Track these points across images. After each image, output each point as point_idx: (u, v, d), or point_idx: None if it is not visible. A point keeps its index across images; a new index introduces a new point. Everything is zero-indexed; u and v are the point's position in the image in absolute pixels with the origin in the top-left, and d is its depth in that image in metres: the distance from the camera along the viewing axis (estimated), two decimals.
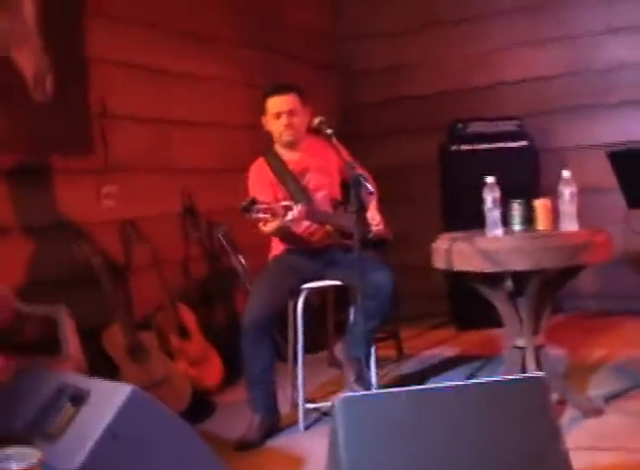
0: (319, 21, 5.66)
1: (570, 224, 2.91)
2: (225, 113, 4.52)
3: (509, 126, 4.87)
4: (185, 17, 4.25)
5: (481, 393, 1.75)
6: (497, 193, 2.92)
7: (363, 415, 1.75)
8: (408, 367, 4.11)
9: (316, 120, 2.94)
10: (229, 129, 4.52)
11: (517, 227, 2.98)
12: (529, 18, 5.21)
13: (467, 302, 4.42)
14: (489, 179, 2.94)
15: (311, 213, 3.16)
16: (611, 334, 4.50)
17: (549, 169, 5.08)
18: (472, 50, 5.39)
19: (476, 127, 4.88)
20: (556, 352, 4.11)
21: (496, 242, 2.86)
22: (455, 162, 4.85)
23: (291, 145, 3.43)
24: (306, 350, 4.09)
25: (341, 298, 3.75)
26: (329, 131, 2.90)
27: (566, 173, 2.94)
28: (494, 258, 2.80)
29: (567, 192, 2.91)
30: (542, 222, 2.97)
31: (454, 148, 4.85)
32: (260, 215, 2.86)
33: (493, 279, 2.99)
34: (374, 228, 3.45)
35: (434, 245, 3.07)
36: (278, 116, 3.36)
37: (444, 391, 1.80)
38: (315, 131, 3.03)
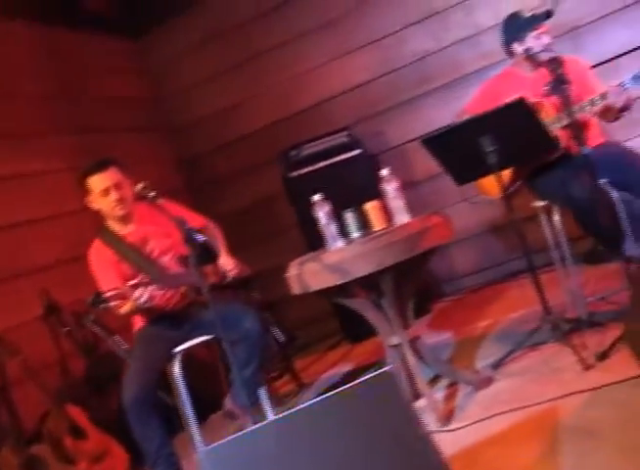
0: (135, 86, 5.68)
1: (402, 217, 3.01)
2: (60, 202, 4.45)
3: (340, 139, 4.98)
4: None
5: (338, 402, 1.78)
6: (327, 208, 2.99)
7: (231, 460, 1.75)
8: (309, 397, 4.11)
9: (139, 186, 2.93)
10: (69, 218, 4.46)
11: (355, 235, 3.06)
12: (335, 31, 5.40)
13: (351, 314, 4.46)
14: (316, 197, 3.00)
15: (162, 282, 3.16)
16: (492, 303, 4.66)
17: (393, 169, 5.26)
18: (288, 75, 5.53)
19: (309, 149, 4.97)
20: (442, 338, 4.24)
21: (338, 253, 2.92)
22: (299, 186, 4.92)
23: (124, 218, 3.41)
24: (211, 410, 4.09)
25: None
26: (152, 194, 2.90)
27: (384, 172, 3.05)
28: (341, 270, 2.86)
29: (390, 188, 3.01)
30: (377, 223, 3.05)
31: (294, 174, 4.93)
32: (111, 304, 2.86)
33: (348, 289, 3.04)
34: (229, 274, 3.48)
35: (287, 274, 3.10)
36: (106, 192, 3.33)
37: (304, 411, 1.82)
38: (140, 197, 3.03)
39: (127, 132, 5.28)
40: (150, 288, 3.01)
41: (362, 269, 2.84)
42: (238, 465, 1.75)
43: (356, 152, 4.95)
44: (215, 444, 1.82)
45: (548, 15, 3.51)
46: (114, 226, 3.43)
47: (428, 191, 5.26)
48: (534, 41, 3.52)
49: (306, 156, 4.97)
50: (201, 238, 2.71)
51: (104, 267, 3.30)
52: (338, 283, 2.88)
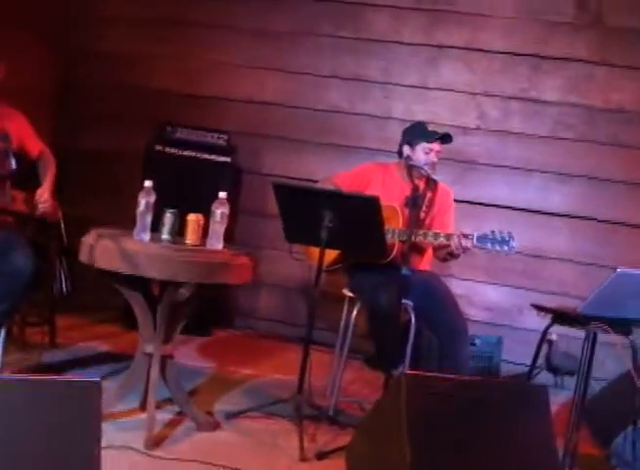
0: None
1: (215, 242, 2.99)
2: None
3: (217, 140, 4.94)
4: None
5: (27, 390, 1.71)
6: (153, 198, 2.93)
7: None
8: (54, 356, 3.97)
9: None
10: None
11: (165, 236, 3.01)
12: (263, 43, 5.36)
13: None
14: (147, 183, 2.94)
15: None
16: (269, 356, 4.69)
17: (252, 191, 5.28)
18: (208, 57, 5.42)
19: (184, 133, 4.91)
20: (203, 364, 4.23)
21: (139, 245, 2.86)
22: (158, 162, 4.83)
23: None
24: None
25: None
26: None
27: (222, 194, 3.02)
28: (134, 262, 2.80)
29: (218, 212, 2.99)
30: (190, 236, 3.02)
31: (159, 148, 4.84)
32: None
33: (134, 282, 2.98)
34: (40, 206, 3.32)
35: (84, 238, 3.01)
36: None
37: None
38: None
39: (27, 31, 4.98)
40: None
41: (154, 272, 2.81)
42: None
43: (224, 159, 4.92)
44: None
45: (446, 138, 3.65)
46: None
47: (268, 228, 5.26)
48: (421, 154, 3.64)
49: (178, 138, 4.91)
50: (13, 165, 2.56)
51: None
52: (122, 272, 2.82)
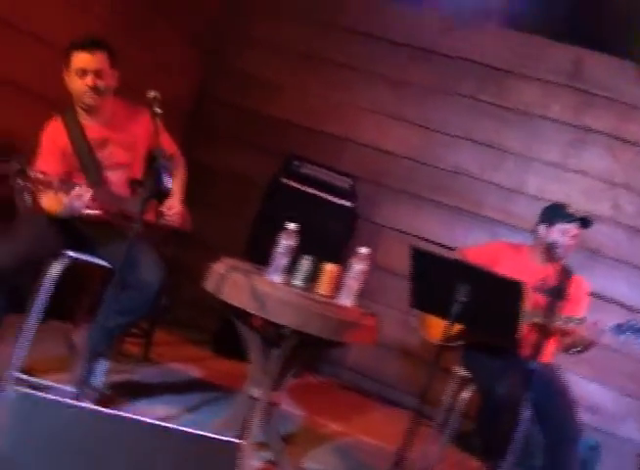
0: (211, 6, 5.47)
1: (346, 298, 2.88)
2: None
3: (341, 182, 4.87)
4: None
5: (168, 439, 1.61)
6: (293, 241, 2.84)
7: (33, 419, 1.55)
8: (146, 373, 3.91)
9: (152, 94, 2.66)
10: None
11: (298, 282, 2.91)
12: (399, 92, 5.28)
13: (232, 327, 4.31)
14: (291, 225, 2.85)
15: (98, 193, 2.93)
16: (356, 412, 4.54)
17: (365, 238, 5.16)
18: (341, 96, 5.37)
19: (310, 170, 4.85)
20: (293, 411, 4.09)
21: (271, 287, 2.77)
22: (281, 194, 4.79)
23: (92, 109, 3.09)
24: (56, 315, 3.79)
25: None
26: (158, 111, 2.64)
27: (363, 250, 2.91)
28: (262, 302, 2.71)
29: (357, 267, 2.88)
30: (323, 286, 2.92)
31: (284, 181, 4.80)
32: (31, 185, 2.63)
33: (254, 319, 2.89)
34: (168, 218, 3.26)
35: (213, 265, 2.93)
36: (83, 73, 3.00)
37: (134, 425, 1.63)
38: (145, 104, 2.77)
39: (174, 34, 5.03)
40: (87, 194, 2.79)
41: (280, 317, 2.70)
42: (37, 428, 1.55)
43: (347, 203, 4.84)
44: (32, 393, 1.60)
45: (585, 221, 3.48)
46: (81, 113, 3.11)
47: (380, 281, 5.12)
48: (559, 235, 3.47)
49: (304, 174, 4.85)
50: (169, 183, 2.48)
51: (51, 150, 3.03)
52: (249, 310, 2.73)
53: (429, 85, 5.26)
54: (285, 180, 4.81)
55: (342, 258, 5.08)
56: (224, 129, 5.53)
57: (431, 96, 5.25)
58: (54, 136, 3.06)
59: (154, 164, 2.51)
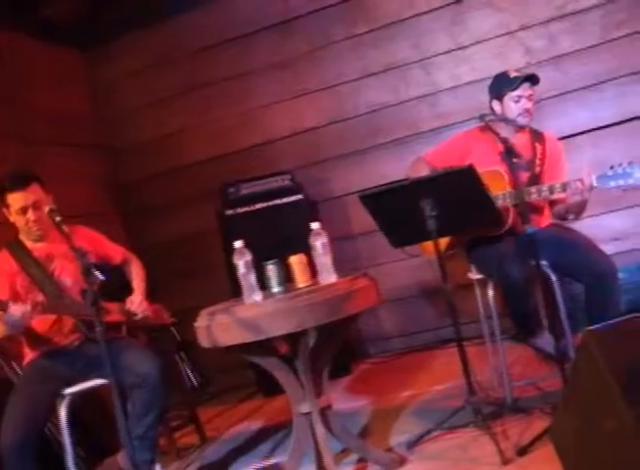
0: (77, 100, 5.40)
1: (328, 276, 2.78)
2: None
3: (281, 182, 4.78)
4: None
5: None
6: (248, 256, 2.75)
7: None
8: (212, 452, 3.81)
9: (46, 209, 2.83)
10: None
11: (275, 289, 2.81)
12: (288, 73, 5.22)
13: None
14: (237, 244, 2.77)
15: (55, 304, 2.99)
16: (417, 371, 4.44)
17: (333, 218, 5.08)
18: (235, 110, 5.31)
19: (248, 188, 4.76)
20: (358, 404, 4.00)
21: (254, 308, 2.67)
22: (234, 225, 4.68)
23: (39, 237, 3.21)
24: (108, 452, 3.71)
25: None
26: (58, 219, 2.74)
27: (315, 225, 2.82)
28: (255, 326, 2.61)
29: (318, 244, 2.78)
30: (300, 279, 2.82)
31: (229, 212, 4.70)
32: None
33: (263, 346, 2.79)
34: (136, 313, 3.22)
35: (196, 324, 2.84)
36: (23, 211, 3.12)
37: None
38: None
39: (62, 147, 4.98)
40: (28, 307, 2.81)
41: (278, 329, 2.61)
42: None
43: (297, 197, 4.76)
44: None
45: (531, 78, 3.34)
46: (26, 240, 3.23)
47: (364, 246, 5.07)
48: (512, 104, 3.34)
49: (245, 195, 4.76)
50: (99, 277, 2.45)
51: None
52: (248, 341, 2.63)
53: (308, 50, 5.18)
54: (230, 212, 4.71)
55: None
56: (155, 204, 5.45)
57: (316, 58, 5.17)
58: (2, 265, 3.14)
59: (83, 271, 2.53)
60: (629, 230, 4.62)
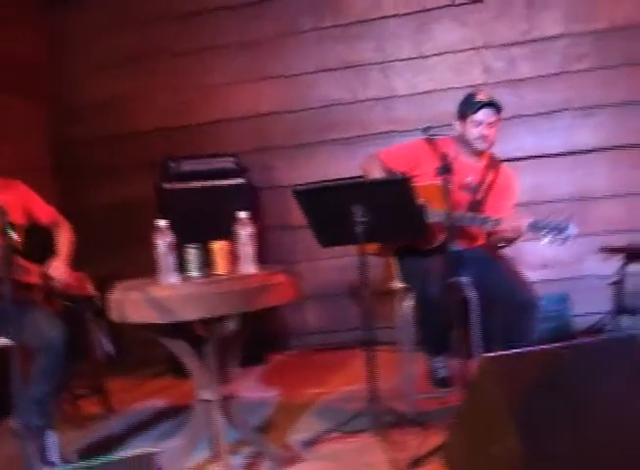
0: (31, 52, 5.25)
1: (247, 266, 2.77)
2: None
3: (225, 163, 4.74)
4: None
5: None
6: (169, 237, 2.71)
7: None
8: (114, 425, 3.76)
9: None
10: None
11: (194, 273, 2.79)
12: (249, 55, 5.17)
13: None
14: (160, 223, 2.73)
15: None
16: (332, 369, 4.46)
17: (272, 206, 5.06)
18: (193, 84, 5.25)
19: (190, 165, 4.70)
20: (266, 395, 4.01)
21: (168, 290, 2.64)
22: (171, 200, 4.63)
23: None
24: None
25: None
26: None
27: (242, 214, 2.80)
28: (167, 308, 2.59)
29: (243, 233, 2.77)
30: (220, 266, 2.81)
31: (167, 186, 4.64)
32: None
33: (174, 329, 2.77)
34: (55, 278, 3.15)
35: (110, 296, 2.80)
36: None
37: None
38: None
39: (7, 95, 4.83)
40: None
41: (188, 313, 2.59)
42: None
43: (238, 181, 4.72)
44: None
45: (490, 105, 3.34)
46: None
47: (301, 239, 5.06)
48: (473, 126, 3.36)
49: (185, 171, 4.70)
50: (14, 237, 2.39)
51: None
52: (157, 322, 2.61)
53: (274, 35, 5.14)
54: (168, 185, 4.65)
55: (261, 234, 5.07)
56: (98, 164, 5.36)
57: (279, 45, 5.14)
58: None
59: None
60: (558, 259, 4.71)
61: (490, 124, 3.35)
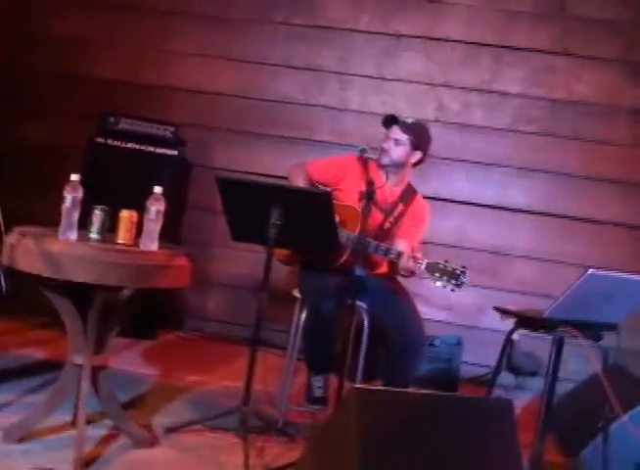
0: None
1: (149, 243, 2.72)
2: None
3: (164, 132, 4.66)
4: None
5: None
6: (80, 193, 2.65)
7: None
8: None
9: None
10: None
11: (93, 235, 2.73)
12: (215, 31, 5.10)
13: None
14: (73, 177, 2.67)
15: None
16: (218, 361, 4.43)
17: (202, 185, 5.00)
18: (153, 45, 5.14)
19: (127, 124, 4.61)
20: (144, 371, 3.96)
21: (64, 246, 2.58)
22: (101, 155, 4.55)
23: None
24: None
25: None
26: None
27: (157, 189, 2.75)
28: (55, 263, 2.53)
29: (153, 209, 2.72)
30: (123, 235, 2.75)
31: (100, 140, 4.55)
32: None
33: (61, 286, 2.70)
34: None
35: (6, 238, 2.72)
36: None
37: None
38: None
39: None
40: None
41: (75, 274, 2.53)
42: None
43: (172, 152, 4.65)
44: None
45: (388, 121, 3.39)
46: None
47: (222, 224, 4.99)
48: (384, 143, 3.39)
49: (121, 129, 4.62)
50: None
51: None
52: (44, 275, 2.54)
53: (243, 18, 5.09)
54: (101, 139, 4.56)
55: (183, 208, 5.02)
56: (40, 100, 5.18)
57: (247, 29, 5.08)
58: None
59: None
60: (463, 305, 4.79)
61: (396, 141, 3.37)
